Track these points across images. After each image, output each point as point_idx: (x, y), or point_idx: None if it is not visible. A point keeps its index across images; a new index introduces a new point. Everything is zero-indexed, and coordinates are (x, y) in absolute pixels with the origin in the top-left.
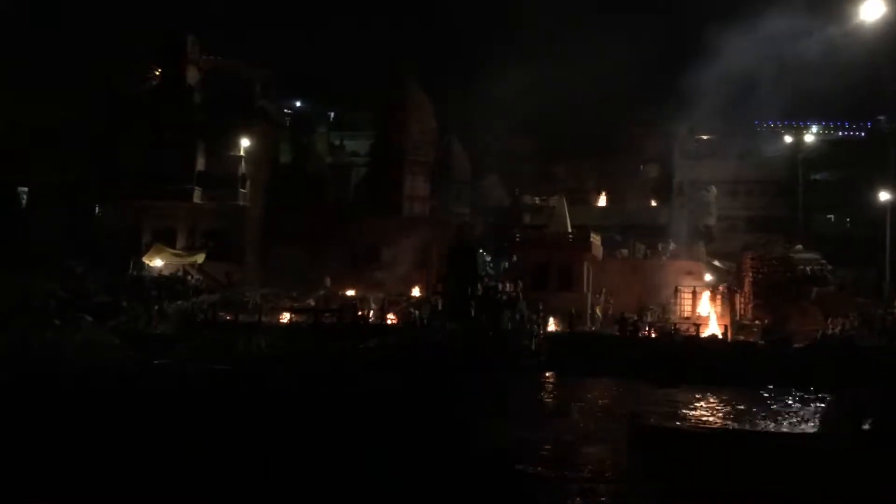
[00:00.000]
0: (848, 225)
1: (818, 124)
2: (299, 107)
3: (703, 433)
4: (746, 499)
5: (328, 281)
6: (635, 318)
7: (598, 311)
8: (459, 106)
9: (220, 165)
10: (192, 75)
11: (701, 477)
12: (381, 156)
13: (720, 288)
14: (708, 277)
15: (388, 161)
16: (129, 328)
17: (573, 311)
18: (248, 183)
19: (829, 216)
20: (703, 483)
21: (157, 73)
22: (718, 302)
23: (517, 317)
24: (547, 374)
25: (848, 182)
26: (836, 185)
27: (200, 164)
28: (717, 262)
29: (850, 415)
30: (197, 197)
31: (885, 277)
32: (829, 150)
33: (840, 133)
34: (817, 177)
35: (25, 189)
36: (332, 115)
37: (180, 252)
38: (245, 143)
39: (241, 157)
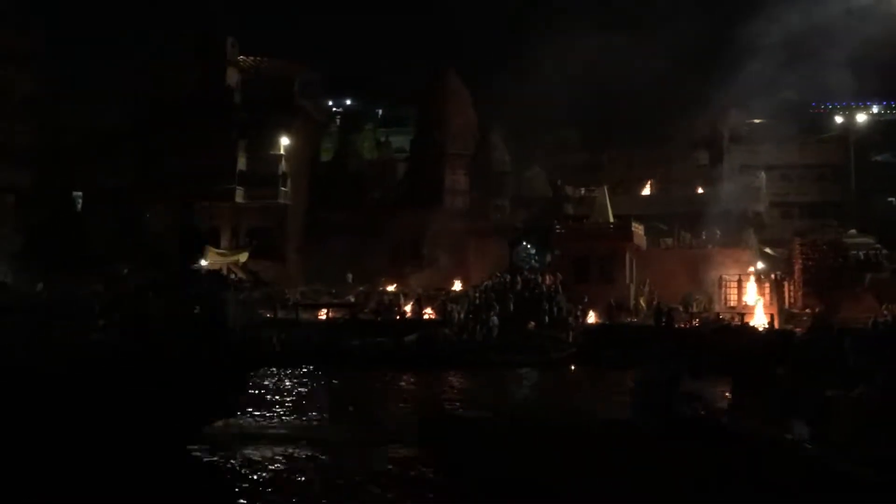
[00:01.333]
0: None
1: (879, 104)
2: (349, 105)
3: (486, 421)
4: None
5: (369, 277)
6: (669, 308)
7: (641, 301)
8: (501, 97)
9: (261, 164)
10: (232, 76)
11: (482, 463)
12: (421, 150)
13: (769, 276)
14: (760, 265)
15: (429, 155)
16: None
17: (612, 302)
18: (288, 181)
19: (890, 199)
20: (483, 469)
21: (198, 75)
22: (767, 290)
23: (554, 310)
24: (573, 367)
25: None
26: None
27: (242, 163)
28: (768, 250)
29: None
30: (239, 196)
31: None
32: (890, 131)
33: None
34: (879, 158)
35: (80, 193)
36: (380, 112)
37: (224, 251)
38: (285, 141)
39: (282, 155)
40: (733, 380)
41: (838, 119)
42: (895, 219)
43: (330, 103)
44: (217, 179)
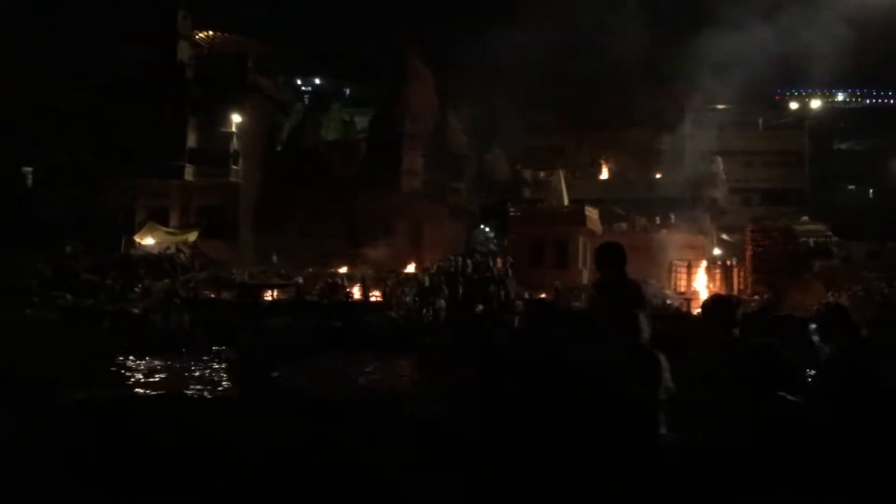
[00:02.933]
0: (871, 196)
1: (845, 92)
2: (318, 84)
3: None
4: None
5: (324, 258)
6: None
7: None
8: (464, 78)
9: (212, 142)
10: (184, 50)
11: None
12: (380, 130)
13: (718, 262)
14: (717, 252)
15: (387, 135)
16: (97, 308)
17: (558, 286)
18: (240, 160)
19: (851, 187)
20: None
21: (148, 50)
22: (717, 276)
23: (502, 293)
24: None
25: (876, 152)
26: (863, 155)
27: (192, 140)
28: (725, 236)
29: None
30: (189, 174)
31: None
32: (856, 119)
33: (868, 101)
34: (843, 146)
35: (30, 169)
36: (348, 91)
37: (173, 230)
38: (237, 119)
39: (233, 133)
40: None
41: (801, 106)
42: (855, 207)
43: (299, 82)
44: (167, 156)
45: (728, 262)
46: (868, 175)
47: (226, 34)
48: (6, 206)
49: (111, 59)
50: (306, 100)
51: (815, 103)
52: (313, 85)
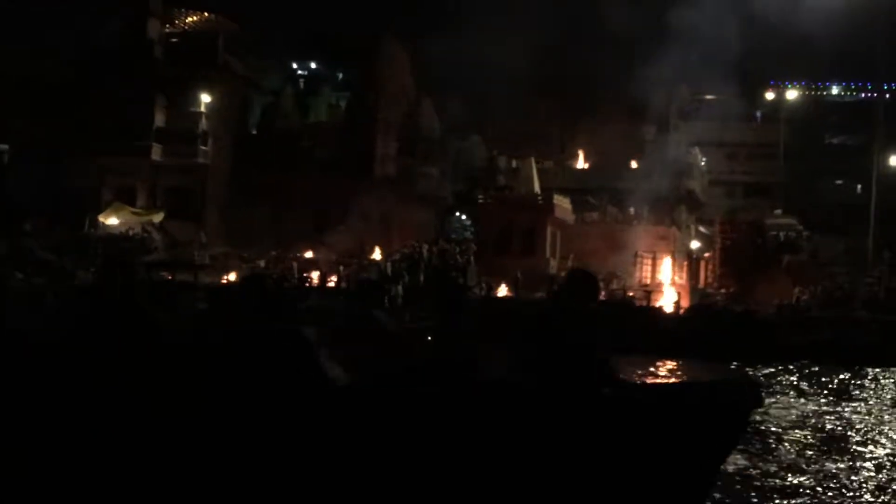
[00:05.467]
0: (859, 191)
1: (839, 85)
2: (314, 67)
3: None
4: None
5: (291, 242)
6: (556, 282)
7: (563, 276)
8: (443, 62)
9: (181, 122)
10: (154, 28)
11: None
12: (354, 114)
13: (688, 254)
14: (695, 244)
15: (361, 119)
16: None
17: (519, 275)
18: (209, 140)
19: (837, 181)
20: None
21: (118, 27)
22: (684, 269)
23: (460, 282)
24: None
25: (867, 147)
26: (852, 149)
27: (160, 120)
28: (702, 229)
29: None
30: (156, 154)
31: (871, 246)
32: (849, 113)
33: (863, 95)
34: (834, 141)
35: (6, 147)
36: (341, 75)
37: (139, 210)
38: (206, 98)
39: (202, 113)
40: None
41: (788, 99)
42: (839, 201)
43: (294, 65)
44: (134, 135)
45: (706, 255)
46: (857, 170)
47: (198, 13)
48: None
49: (81, 34)
50: (301, 83)
51: (804, 97)
52: (309, 68)
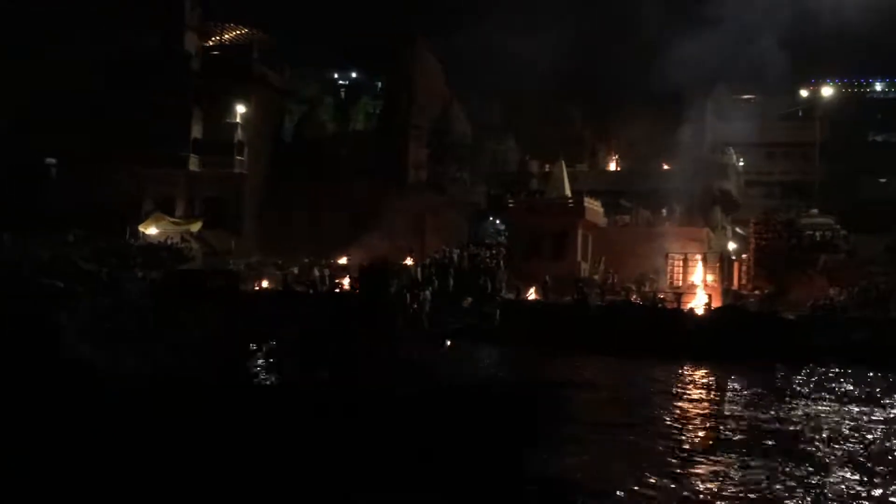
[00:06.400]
0: None
1: (882, 81)
2: (354, 77)
3: None
4: None
5: (326, 250)
6: (582, 285)
7: (596, 279)
8: (477, 67)
9: (217, 133)
10: (191, 41)
11: None
12: (387, 120)
13: (723, 255)
14: (731, 245)
15: (395, 127)
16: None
17: (547, 279)
18: (245, 150)
19: (881, 180)
20: None
21: (156, 40)
22: (716, 270)
23: (488, 285)
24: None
25: None
26: None
27: (197, 131)
28: (738, 230)
29: None
30: (193, 164)
31: None
32: (892, 110)
33: None
34: (878, 138)
35: (54, 161)
36: (379, 84)
37: (178, 220)
38: (241, 109)
39: (238, 123)
40: None
41: (827, 97)
42: (883, 199)
43: (336, 76)
44: (172, 147)
45: (743, 257)
46: None
47: (234, 26)
48: (30, 197)
49: (121, 48)
50: (343, 93)
51: (846, 94)
52: (350, 78)
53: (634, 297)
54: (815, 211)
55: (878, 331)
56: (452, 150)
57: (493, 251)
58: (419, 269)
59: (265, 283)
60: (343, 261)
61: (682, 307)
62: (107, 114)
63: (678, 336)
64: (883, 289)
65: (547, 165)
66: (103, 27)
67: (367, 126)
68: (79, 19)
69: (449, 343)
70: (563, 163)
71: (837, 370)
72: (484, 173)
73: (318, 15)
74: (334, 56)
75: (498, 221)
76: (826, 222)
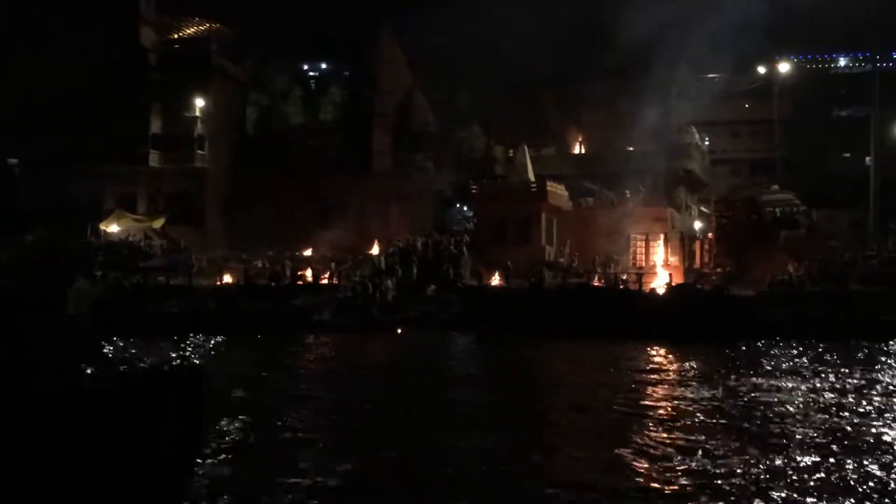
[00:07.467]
0: (867, 163)
1: (846, 57)
2: (324, 68)
3: None
4: None
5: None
6: (540, 269)
7: (562, 262)
8: (439, 53)
9: (177, 127)
10: (147, 35)
11: None
12: (351, 110)
13: (684, 234)
14: (698, 224)
15: (358, 115)
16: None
17: (508, 264)
18: (206, 144)
19: (845, 155)
20: None
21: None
22: (677, 249)
23: (450, 272)
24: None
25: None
26: (860, 121)
27: (156, 126)
28: (703, 209)
29: None
30: (153, 160)
31: (873, 218)
32: (857, 85)
33: (871, 66)
34: (842, 113)
35: (16, 161)
36: (347, 74)
37: (140, 217)
38: (201, 103)
39: (197, 117)
40: None
41: (791, 73)
42: (846, 175)
43: (305, 67)
44: (131, 143)
45: (709, 236)
46: (865, 143)
47: (191, 20)
48: None
49: (76, 47)
50: (313, 84)
51: (809, 70)
52: (319, 69)
53: (597, 278)
54: (775, 187)
55: (836, 305)
56: (416, 137)
57: (457, 238)
58: (382, 259)
59: (227, 278)
60: (308, 252)
61: (643, 288)
62: (66, 112)
63: (635, 317)
64: (843, 263)
65: (511, 151)
66: (57, 26)
67: (335, 116)
68: (32, 19)
69: (399, 331)
70: (525, 147)
71: (793, 345)
72: (450, 161)
73: (289, 7)
74: (305, 48)
75: (465, 208)
76: (786, 198)
